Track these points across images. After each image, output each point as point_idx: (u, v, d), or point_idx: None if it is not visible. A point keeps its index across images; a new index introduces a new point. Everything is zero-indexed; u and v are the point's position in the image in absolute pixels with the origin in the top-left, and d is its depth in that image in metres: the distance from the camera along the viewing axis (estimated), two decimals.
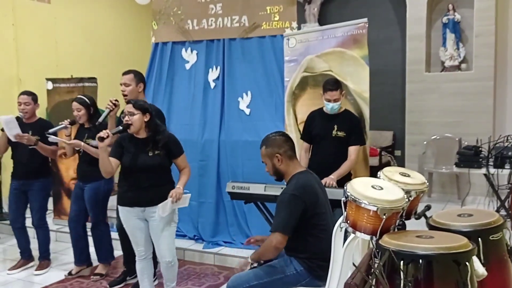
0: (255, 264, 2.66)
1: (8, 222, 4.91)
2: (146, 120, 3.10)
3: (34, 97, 4.14)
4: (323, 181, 3.37)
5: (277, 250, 2.53)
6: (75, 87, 5.20)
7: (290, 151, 2.66)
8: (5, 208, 5.50)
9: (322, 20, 7.03)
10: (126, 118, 3.12)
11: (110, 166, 3.09)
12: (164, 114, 3.71)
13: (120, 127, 3.11)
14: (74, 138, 3.86)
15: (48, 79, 5.41)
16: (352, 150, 3.63)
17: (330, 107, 3.62)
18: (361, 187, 2.13)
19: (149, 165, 3.10)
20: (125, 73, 3.69)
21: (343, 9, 6.89)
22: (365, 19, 3.96)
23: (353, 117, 3.76)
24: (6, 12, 5.88)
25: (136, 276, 3.85)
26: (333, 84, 3.60)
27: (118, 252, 4.09)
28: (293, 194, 2.53)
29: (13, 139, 3.92)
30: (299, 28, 4.73)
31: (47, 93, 5.37)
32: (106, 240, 4.10)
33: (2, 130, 4.02)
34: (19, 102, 4.07)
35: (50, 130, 3.84)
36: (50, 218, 5.36)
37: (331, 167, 3.53)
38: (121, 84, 3.66)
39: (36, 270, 4.21)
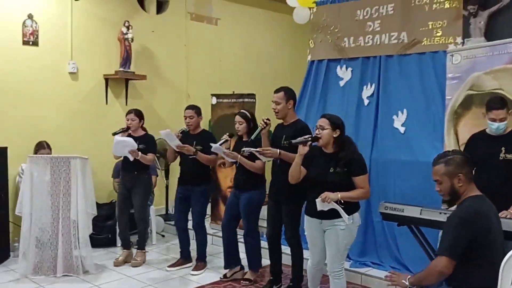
0: None
1: (173, 222, 5.47)
2: (335, 136, 3.19)
3: (197, 110, 4.52)
4: (502, 214, 3.08)
5: (442, 275, 2.37)
6: (236, 103, 5.56)
7: (470, 174, 2.51)
8: (171, 210, 6.14)
9: (489, 34, 6.44)
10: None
11: (299, 173, 3.29)
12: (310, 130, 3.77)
13: (309, 138, 3.25)
14: (232, 151, 4.15)
15: (212, 95, 5.88)
16: None
17: (495, 128, 3.33)
18: None
19: (328, 181, 3.17)
20: (276, 91, 3.83)
21: None
22: None
23: None
24: (179, 33, 6.59)
25: (281, 285, 4.00)
26: (498, 102, 3.33)
27: (266, 260, 4.25)
28: (464, 218, 2.36)
29: (176, 149, 4.37)
30: (463, 43, 4.42)
31: (211, 107, 5.85)
32: (257, 247, 4.28)
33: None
34: (185, 116, 4.48)
35: (214, 145, 4.08)
36: (207, 223, 5.83)
37: (498, 193, 3.14)
38: (272, 102, 3.81)
39: (192, 270, 4.55)
